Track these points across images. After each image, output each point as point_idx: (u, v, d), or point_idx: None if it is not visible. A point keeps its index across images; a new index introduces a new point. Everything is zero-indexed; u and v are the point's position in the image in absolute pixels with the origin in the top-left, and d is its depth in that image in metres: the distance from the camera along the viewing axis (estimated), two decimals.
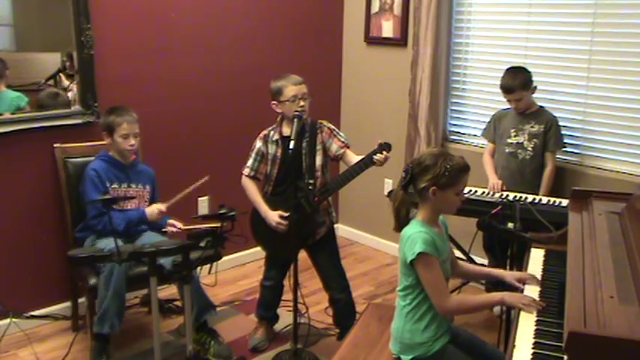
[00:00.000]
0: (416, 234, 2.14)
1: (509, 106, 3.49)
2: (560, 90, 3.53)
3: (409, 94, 4.06)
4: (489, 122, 3.59)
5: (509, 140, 3.43)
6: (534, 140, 3.36)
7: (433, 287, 2.13)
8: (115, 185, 3.12)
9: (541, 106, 3.43)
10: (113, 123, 3.08)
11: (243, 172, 3.10)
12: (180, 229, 3.19)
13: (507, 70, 3.40)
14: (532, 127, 3.37)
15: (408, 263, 2.14)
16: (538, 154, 3.37)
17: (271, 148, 3.06)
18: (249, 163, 3.10)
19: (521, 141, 3.39)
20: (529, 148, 3.37)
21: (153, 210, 3.14)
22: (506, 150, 3.43)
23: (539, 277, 2.23)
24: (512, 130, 3.42)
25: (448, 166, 2.12)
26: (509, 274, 2.30)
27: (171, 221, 3.23)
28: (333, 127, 3.13)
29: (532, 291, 2.13)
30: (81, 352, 3.16)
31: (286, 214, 2.95)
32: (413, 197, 2.24)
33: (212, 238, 2.46)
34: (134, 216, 3.10)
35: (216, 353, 3.09)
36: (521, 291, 2.16)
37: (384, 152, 2.87)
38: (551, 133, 3.36)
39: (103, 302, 2.90)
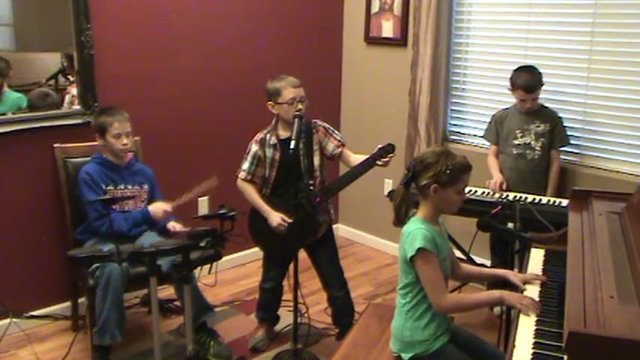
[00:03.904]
0: (416, 230, 2.14)
1: (507, 106, 3.49)
2: (560, 90, 3.53)
3: (409, 94, 4.06)
4: (490, 124, 3.57)
5: (515, 142, 3.41)
6: (541, 139, 3.36)
7: (431, 284, 2.14)
8: (110, 187, 3.10)
9: (543, 105, 3.42)
10: (104, 123, 3.07)
11: (239, 175, 3.08)
12: (177, 232, 3.15)
13: (522, 69, 3.35)
14: (537, 126, 3.36)
15: (408, 260, 2.15)
16: (546, 154, 3.37)
17: (269, 152, 3.05)
18: (245, 166, 3.08)
19: (528, 141, 3.37)
20: (537, 148, 3.36)
21: (157, 209, 3.13)
22: (514, 151, 3.41)
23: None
24: (518, 132, 3.40)
25: (450, 165, 2.13)
26: (513, 275, 2.29)
27: (172, 223, 3.20)
28: (328, 125, 3.12)
29: (532, 291, 2.14)
30: (81, 352, 3.16)
31: (289, 220, 2.95)
32: (414, 196, 2.24)
33: (212, 238, 2.46)
34: (138, 216, 3.09)
35: (216, 353, 3.09)
36: (522, 292, 2.16)
37: (389, 155, 2.88)
38: (556, 131, 3.36)
39: (102, 314, 2.87)
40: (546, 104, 3.45)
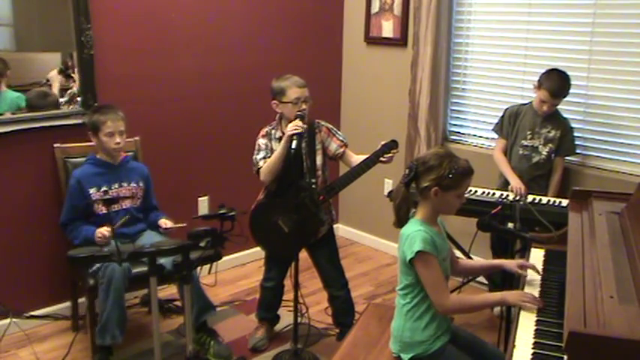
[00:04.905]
0: (415, 233, 2.14)
1: (525, 102, 3.45)
2: None
3: (409, 94, 4.06)
4: (502, 117, 3.49)
5: (524, 142, 3.38)
6: (549, 145, 3.34)
7: (432, 286, 2.14)
8: (104, 188, 3.10)
9: (557, 111, 3.37)
10: (97, 122, 3.07)
11: (257, 166, 2.99)
12: (168, 228, 3.15)
13: (555, 72, 3.27)
14: (549, 132, 3.34)
15: (407, 262, 2.15)
16: (551, 159, 3.36)
17: (275, 145, 3.03)
18: (261, 155, 3.00)
19: (536, 145, 3.36)
20: (544, 153, 3.35)
21: (98, 232, 2.97)
22: (520, 152, 3.39)
23: (538, 277, 2.23)
24: (529, 133, 3.37)
25: (453, 169, 2.13)
26: (509, 262, 2.30)
27: (163, 220, 3.20)
28: (331, 126, 3.13)
29: (532, 291, 2.13)
30: (81, 352, 3.16)
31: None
32: (413, 196, 2.24)
33: (212, 238, 2.46)
34: (89, 234, 2.99)
35: (216, 353, 3.09)
36: (523, 284, 2.16)
37: (392, 151, 2.88)
38: (565, 140, 3.34)
39: (104, 314, 2.88)
40: None
